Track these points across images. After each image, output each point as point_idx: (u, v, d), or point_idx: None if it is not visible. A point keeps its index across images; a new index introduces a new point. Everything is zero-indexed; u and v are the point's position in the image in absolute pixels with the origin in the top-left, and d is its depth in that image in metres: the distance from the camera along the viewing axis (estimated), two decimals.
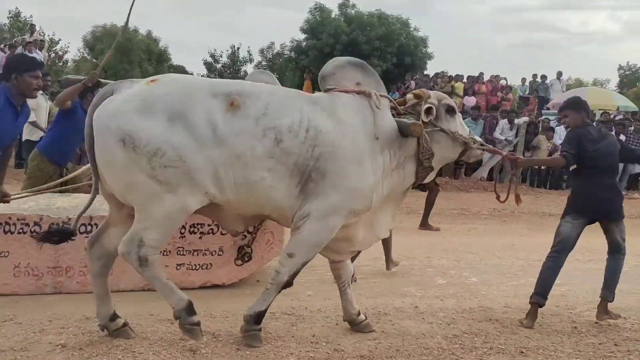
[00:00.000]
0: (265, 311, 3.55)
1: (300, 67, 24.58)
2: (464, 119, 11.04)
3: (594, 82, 42.36)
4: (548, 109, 16.41)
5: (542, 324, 4.18)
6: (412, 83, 17.64)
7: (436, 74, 18.95)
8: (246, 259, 4.72)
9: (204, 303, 3.97)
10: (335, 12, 27.33)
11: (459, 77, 17.50)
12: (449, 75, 18.12)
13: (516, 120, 12.82)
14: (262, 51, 31.10)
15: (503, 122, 12.72)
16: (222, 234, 4.60)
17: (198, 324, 3.37)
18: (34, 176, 5.28)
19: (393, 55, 25.72)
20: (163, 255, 4.27)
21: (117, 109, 3.23)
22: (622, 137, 11.69)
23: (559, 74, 18.65)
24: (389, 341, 3.70)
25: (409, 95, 3.98)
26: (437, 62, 41.48)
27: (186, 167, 3.21)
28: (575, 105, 4.40)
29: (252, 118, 3.34)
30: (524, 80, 18.78)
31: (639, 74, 42.29)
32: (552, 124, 13.32)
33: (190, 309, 3.35)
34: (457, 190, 11.45)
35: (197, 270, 4.63)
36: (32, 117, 7.81)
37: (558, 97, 16.59)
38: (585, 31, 76.39)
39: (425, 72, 22.06)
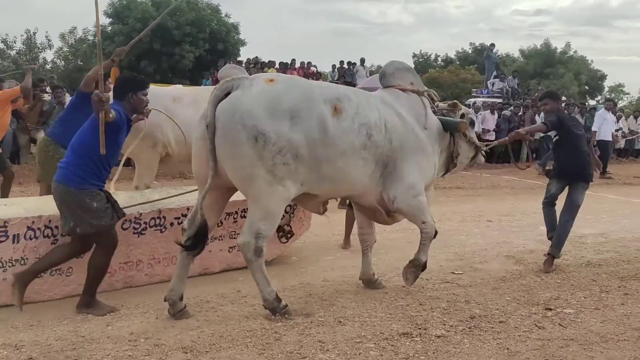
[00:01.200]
0: (426, 261, 4.45)
1: (106, 54, 22.97)
2: None
3: None
4: None
5: (357, 292, 4.43)
6: None
7: (248, 60, 19.05)
8: (289, 236, 5.15)
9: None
10: None
11: (271, 64, 17.82)
12: (261, 61, 18.35)
13: None
14: (62, 36, 28.55)
15: None
16: None
17: (286, 305, 3.86)
18: (48, 164, 4.93)
19: (205, 41, 25.32)
20: (218, 240, 4.87)
21: (250, 109, 3.59)
22: None
23: (362, 61, 19.91)
24: (211, 328, 3.64)
25: (442, 104, 4.86)
26: (250, 48, 41.66)
27: (297, 165, 3.68)
28: (553, 95, 5.82)
29: (350, 118, 3.94)
30: (334, 66, 19.69)
31: (430, 61, 46.74)
32: None
33: (278, 297, 3.86)
34: None
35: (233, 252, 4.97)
36: None
37: (362, 82, 17.72)
38: (384, 21, 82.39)
39: (239, 59, 22.06)
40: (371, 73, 25.13)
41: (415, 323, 3.77)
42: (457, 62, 40.73)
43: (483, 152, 5.09)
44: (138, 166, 5.91)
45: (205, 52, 25.27)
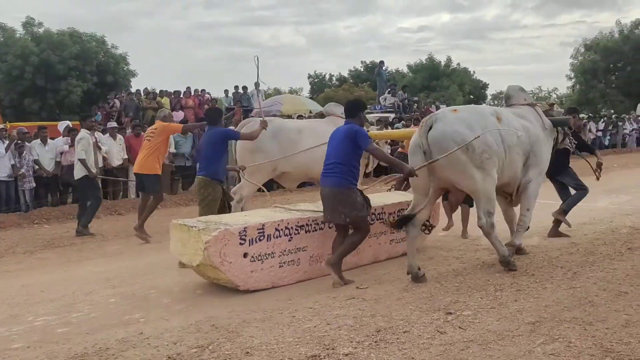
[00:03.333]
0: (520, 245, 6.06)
1: None
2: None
3: (290, 91, 46.62)
4: (252, 116, 17.42)
5: (264, 319, 4.37)
6: (117, 102, 16.94)
7: (138, 91, 18.55)
8: (430, 228, 5.77)
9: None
10: (20, 31, 24.71)
11: (164, 93, 17.42)
12: (154, 91, 17.90)
13: None
14: None
15: None
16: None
17: (515, 262, 5.52)
18: (214, 200, 6.42)
19: (93, 74, 24.39)
20: (381, 234, 6.29)
21: (456, 129, 5.20)
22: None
23: (257, 85, 19.89)
24: None
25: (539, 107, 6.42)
26: (141, 79, 40.71)
27: (493, 157, 5.30)
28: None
29: (506, 124, 5.55)
30: (226, 92, 19.56)
31: (325, 81, 47.80)
32: None
33: (510, 256, 5.55)
34: (177, 205, 11.37)
35: (400, 242, 6.38)
36: (81, 155, 8.53)
37: (259, 105, 17.76)
38: (277, 44, 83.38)
39: (130, 90, 21.40)
40: (268, 96, 25.26)
41: (323, 344, 3.77)
42: (351, 81, 41.97)
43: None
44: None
45: (94, 85, 24.36)
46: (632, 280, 4.87)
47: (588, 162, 7.02)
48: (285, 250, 5.47)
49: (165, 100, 16.70)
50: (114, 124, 12.92)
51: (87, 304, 5.23)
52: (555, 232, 6.97)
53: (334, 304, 4.70)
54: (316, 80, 48.05)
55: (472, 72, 42.81)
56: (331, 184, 5.31)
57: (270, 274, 5.38)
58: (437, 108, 22.31)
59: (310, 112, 17.33)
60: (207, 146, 6.51)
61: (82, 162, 8.49)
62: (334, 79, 47.13)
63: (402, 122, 16.30)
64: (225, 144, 6.68)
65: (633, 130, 22.85)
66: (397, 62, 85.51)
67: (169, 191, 12.24)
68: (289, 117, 17.90)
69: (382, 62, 23.41)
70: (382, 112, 19.38)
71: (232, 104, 18.83)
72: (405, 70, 43.10)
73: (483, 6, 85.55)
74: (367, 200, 5.47)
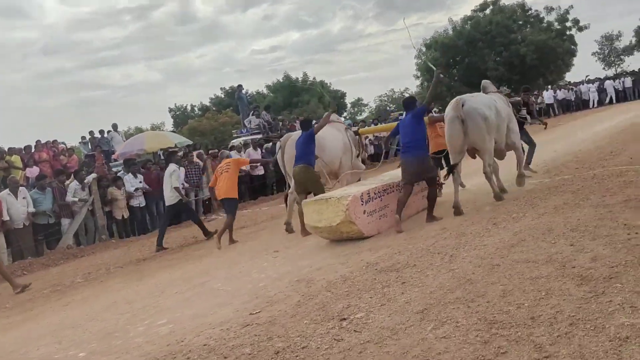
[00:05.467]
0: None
1: None
2: (29, 191, 10.25)
3: (152, 127, 45.26)
4: (115, 160, 16.67)
5: None
6: None
7: None
8: (440, 189, 8.74)
9: None
10: None
11: (13, 150, 16.04)
12: (1, 150, 16.41)
13: (86, 180, 12.56)
14: None
15: (73, 185, 12.27)
16: None
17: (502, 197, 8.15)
18: (318, 179, 8.78)
19: None
20: (414, 195, 8.32)
21: (478, 108, 7.83)
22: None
23: (115, 127, 19.10)
24: None
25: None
26: None
27: (495, 129, 8.05)
28: None
29: (499, 106, 8.37)
30: (83, 138, 18.54)
31: (187, 112, 47.01)
32: (120, 174, 13.61)
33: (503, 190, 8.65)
34: (45, 267, 10.53)
35: (423, 197, 8.42)
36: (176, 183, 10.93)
37: (120, 146, 17.05)
38: (131, 83, 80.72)
39: None
40: (129, 136, 24.29)
41: None
42: (214, 108, 41.59)
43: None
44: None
45: None
46: (501, 253, 5.20)
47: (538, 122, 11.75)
48: (380, 207, 7.81)
49: (16, 158, 15.35)
50: None
51: None
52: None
53: (229, 335, 4.56)
54: (178, 113, 47.12)
55: (329, 84, 44.34)
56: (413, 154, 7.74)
57: (377, 224, 7.68)
58: None
59: (176, 145, 16.89)
60: (301, 145, 8.60)
61: None
62: (196, 109, 46.49)
63: (270, 142, 16.47)
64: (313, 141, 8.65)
65: None
66: (256, 84, 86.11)
67: (34, 253, 11.30)
68: (154, 154, 17.34)
69: (240, 86, 23.52)
70: (249, 135, 19.40)
71: (91, 149, 17.87)
72: (266, 90, 43.61)
73: (327, 21, 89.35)
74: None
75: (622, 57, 51.39)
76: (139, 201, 13.45)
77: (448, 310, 4.04)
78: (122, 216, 13.10)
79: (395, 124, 9.50)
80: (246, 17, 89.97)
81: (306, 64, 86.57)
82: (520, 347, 3.27)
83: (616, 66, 50.75)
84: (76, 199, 12.16)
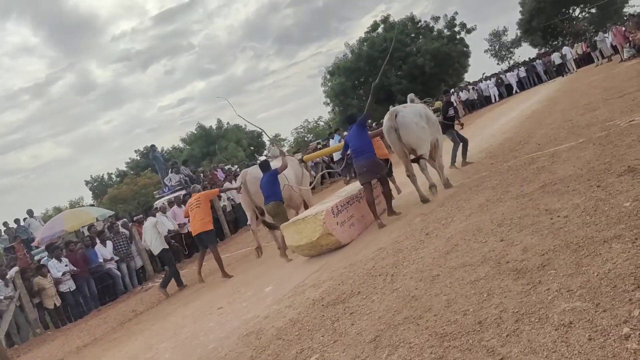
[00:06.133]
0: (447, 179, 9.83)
1: None
2: None
3: (70, 204, 43.43)
4: (37, 247, 15.81)
5: None
6: None
7: None
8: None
9: None
10: None
11: None
12: None
13: (8, 275, 11.82)
14: None
15: None
16: None
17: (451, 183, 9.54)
18: (284, 212, 9.56)
19: None
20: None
21: (407, 116, 9.06)
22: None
23: (31, 213, 18.13)
24: None
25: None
26: None
27: (429, 132, 9.37)
28: None
29: (429, 114, 9.87)
30: None
31: (105, 181, 45.60)
32: (44, 260, 12.94)
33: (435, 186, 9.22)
34: None
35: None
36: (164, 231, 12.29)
37: (39, 231, 16.23)
38: (41, 164, 77.55)
39: None
40: (49, 218, 23.12)
41: None
42: (131, 172, 40.55)
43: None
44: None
45: None
46: (439, 262, 5.29)
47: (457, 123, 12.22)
48: (348, 217, 8.60)
49: None
50: None
51: None
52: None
53: None
54: (95, 184, 45.58)
55: (244, 127, 44.32)
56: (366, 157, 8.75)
57: (349, 232, 8.47)
58: (223, 171, 22.55)
59: (97, 219, 16.24)
60: (267, 184, 9.37)
61: None
62: (113, 176, 45.14)
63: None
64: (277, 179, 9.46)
65: None
66: (171, 140, 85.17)
67: None
68: (76, 232, 16.58)
69: (153, 146, 23.02)
70: (171, 193, 18.96)
71: (10, 242, 16.87)
72: (182, 144, 43.02)
73: (230, 65, 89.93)
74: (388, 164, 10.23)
75: (511, 49, 54.81)
76: (68, 285, 12.76)
77: (399, 333, 4.04)
78: (54, 304, 12.37)
79: (337, 145, 10.26)
80: (147, 75, 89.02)
81: (218, 110, 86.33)
82: (474, 355, 3.31)
83: (508, 59, 54.00)
84: (1, 297, 11.40)
